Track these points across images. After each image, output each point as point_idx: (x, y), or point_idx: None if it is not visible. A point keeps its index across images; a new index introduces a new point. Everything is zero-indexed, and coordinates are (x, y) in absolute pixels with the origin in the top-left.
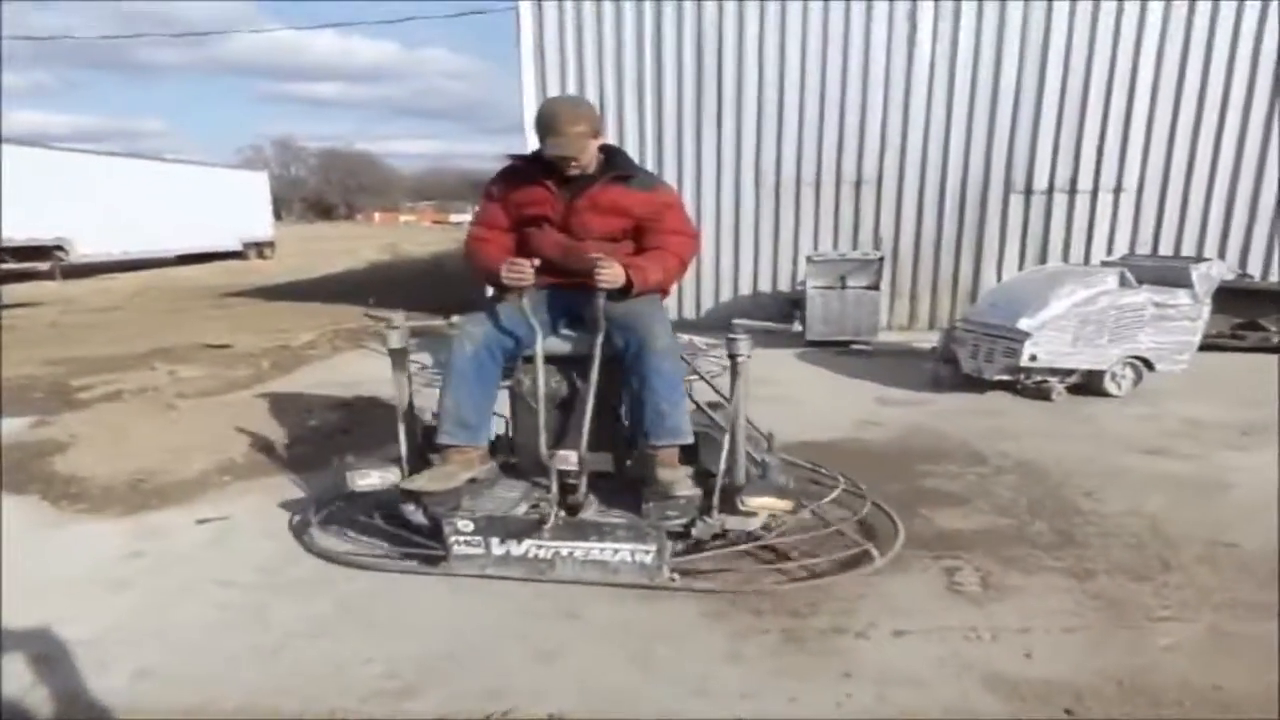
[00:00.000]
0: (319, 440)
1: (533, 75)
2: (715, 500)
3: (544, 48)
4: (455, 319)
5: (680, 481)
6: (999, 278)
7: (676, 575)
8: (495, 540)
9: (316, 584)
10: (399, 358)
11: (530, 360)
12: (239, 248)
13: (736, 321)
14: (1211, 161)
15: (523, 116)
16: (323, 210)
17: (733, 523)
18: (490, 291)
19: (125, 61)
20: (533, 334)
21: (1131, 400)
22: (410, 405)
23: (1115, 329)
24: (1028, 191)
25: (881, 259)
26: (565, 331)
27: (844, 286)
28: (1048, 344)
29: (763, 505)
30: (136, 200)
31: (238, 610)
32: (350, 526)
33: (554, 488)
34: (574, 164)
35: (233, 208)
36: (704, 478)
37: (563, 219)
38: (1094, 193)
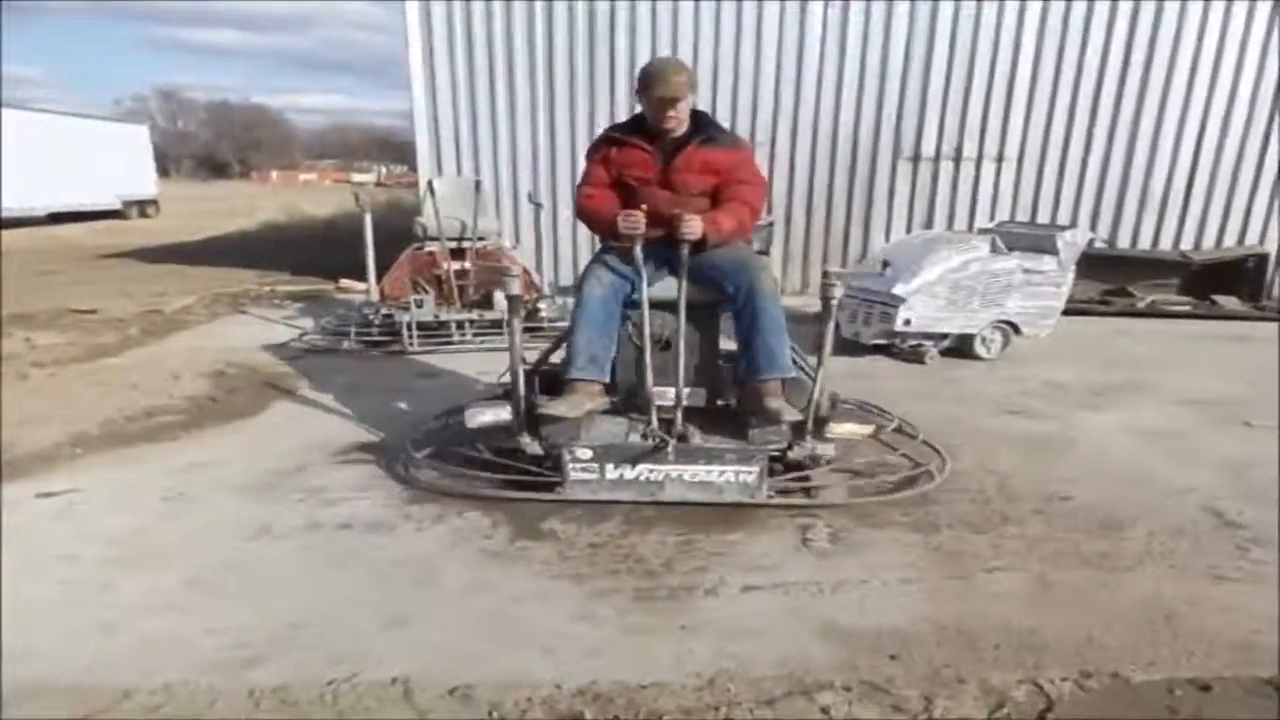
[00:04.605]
0: (183, 410)
1: (421, 71)
2: (809, 425)
3: (433, 45)
4: (344, 282)
5: (786, 409)
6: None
7: (774, 494)
8: (610, 466)
9: (166, 557)
10: (515, 304)
11: (637, 305)
12: (118, 206)
13: (831, 269)
14: (1086, 135)
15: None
16: (215, 168)
17: (821, 448)
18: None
19: None
20: (640, 280)
21: (999, 363)
22: (520, 350)
23: (985, 294)
24: (915, 158)
25: (772, 224)
26: (667, 279)
27: None
28: (921, 309)
29: (848, 431)
30: (3, 153)
31: (81, 586)
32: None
33: (654, 419)
34: (673, 115)
35: (111, 163)
36: None
37: (661, 178)
38: (978, 161)
